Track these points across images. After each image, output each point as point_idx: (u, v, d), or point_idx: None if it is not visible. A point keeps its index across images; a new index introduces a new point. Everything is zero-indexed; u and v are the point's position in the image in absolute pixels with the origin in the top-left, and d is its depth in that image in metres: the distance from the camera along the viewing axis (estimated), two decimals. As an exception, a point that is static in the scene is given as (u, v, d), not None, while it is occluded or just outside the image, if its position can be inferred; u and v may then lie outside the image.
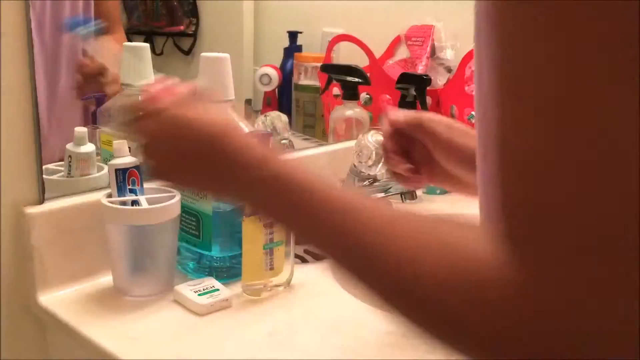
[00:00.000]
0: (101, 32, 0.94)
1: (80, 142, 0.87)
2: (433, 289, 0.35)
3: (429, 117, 0.63)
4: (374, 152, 1.00)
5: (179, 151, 0.52)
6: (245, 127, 0.54)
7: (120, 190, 0.75)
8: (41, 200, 0.78)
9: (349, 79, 1.13)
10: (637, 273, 0.29)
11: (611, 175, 0.29)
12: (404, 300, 0.38)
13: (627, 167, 0.29)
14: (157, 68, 0.93)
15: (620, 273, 0.29)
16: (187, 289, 0.75)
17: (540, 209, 0.31)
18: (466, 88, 1.24)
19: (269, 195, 0.46)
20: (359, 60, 1.21)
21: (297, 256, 0.88)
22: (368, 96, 1.30)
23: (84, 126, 0.92)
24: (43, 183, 0.78)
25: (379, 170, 1.02)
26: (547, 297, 0.31)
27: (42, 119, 0.90)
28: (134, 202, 0.76)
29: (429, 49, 1.32)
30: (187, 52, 1.20)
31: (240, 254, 0.77)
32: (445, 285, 0.34)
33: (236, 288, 0.78)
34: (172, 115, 0.53)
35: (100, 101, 0.95)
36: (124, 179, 0.75)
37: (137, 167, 0.76)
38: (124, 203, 0.75)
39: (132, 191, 0.76)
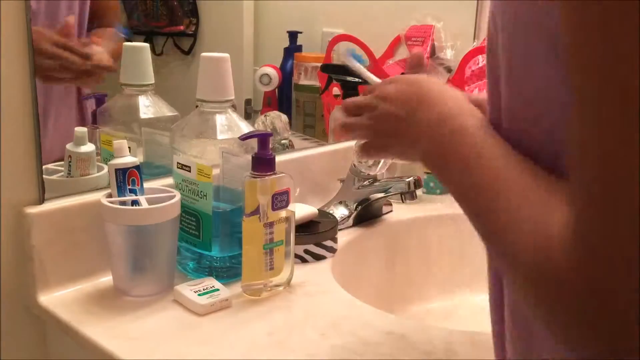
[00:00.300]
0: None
1: (80, 142, 0.87)
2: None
3: None
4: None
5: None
6: None
7: (120, 190, 0.75)
8: (41, 200, 0.78)
9: (349, 79, 1.13)
10: None
11: None
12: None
13: None
14: (157, 68, 0.93)
15: None
16: (187, 289, 0.76)
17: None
18: (466, 88, 1.24)
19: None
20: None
21: (297, 256, 0.88)
22: (368, 96, 1.29)
23: (82, 125, 0.92)
24: (43, 183, 0.78)
25: (379, 170, 1.02)
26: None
27: (40, 119, 0.90)
28: (134, 202, 0.76)
29: (429, 49, 1.32)
30: (187, 52, 1.19)
31: (240, 254, 0.77)
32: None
33: (236, 288, 0.78)
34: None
35: (100, 101, 0.95)
36: (124, 179, 0.75)
37: (137, 167, 0.76)
38: (124, 203, 0.75)
39: (132, 191, 0.76)
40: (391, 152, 0.62)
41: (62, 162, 0.87)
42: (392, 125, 0.58)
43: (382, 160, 1.01)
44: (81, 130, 0.88)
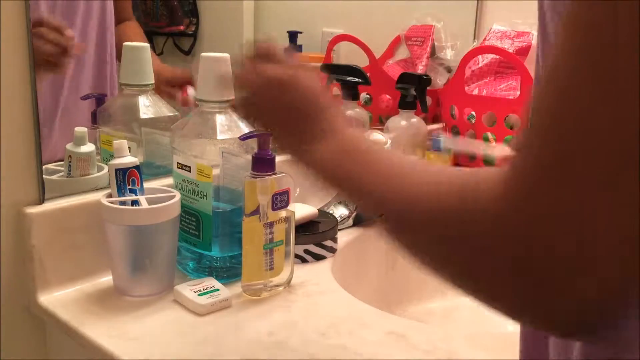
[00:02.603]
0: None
1: (80, 142, 0.87)
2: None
3: None
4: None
5: (284, 104, 0.61)
6: None
7: (120, 190, 0.75)
8: (41, 200, 0.78)
9: (349, 79, 1.13)
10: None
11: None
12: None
13: None
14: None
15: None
16: (187, 289, 0.76)
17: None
18: (466, 88, 1.24)
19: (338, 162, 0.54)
20: (359, 60, 1.21)
21: (297, 256, 0.88)
22: (368, 96, 1.30)
23: (89, 124, 0.93)
24: (43, 183, 0.78)
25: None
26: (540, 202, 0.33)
27: (48, 118, 0.90)
28: (134, 202, 0.76)
29: (429, 49, 1.32)
30: (187, 52, 1.20)
31: (240, 254, 0.77)
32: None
33: (236, 288, 0.78)
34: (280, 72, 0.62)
35: (100, 101, 0.95)
36: (124, 179, 0.75)
37: (137, 167, 0.76)
38: (124, 203, 0.75)
39: (132, 191, 0.76)
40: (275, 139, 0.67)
41: (62, 162, 0.87)
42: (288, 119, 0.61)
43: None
44: (81, 130, 0.88)
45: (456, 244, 0.39)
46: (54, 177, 0.85)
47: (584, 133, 0.32)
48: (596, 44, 0.32)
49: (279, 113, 0.62)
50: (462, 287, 0.42)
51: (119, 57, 0.96)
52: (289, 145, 0.62)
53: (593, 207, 0.32)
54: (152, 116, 0.92)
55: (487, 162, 1.18)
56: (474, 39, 1.39)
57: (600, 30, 0.31)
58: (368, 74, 1.14)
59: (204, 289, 0.76)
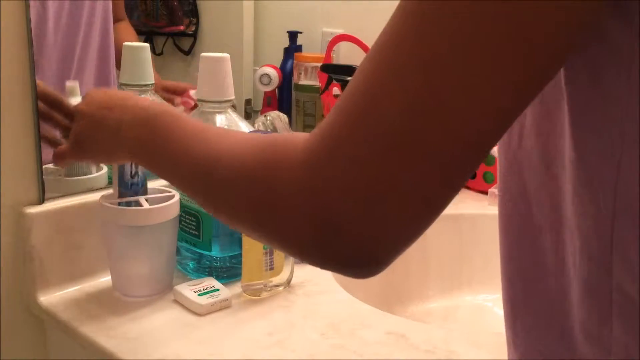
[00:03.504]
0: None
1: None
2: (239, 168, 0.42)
3: None
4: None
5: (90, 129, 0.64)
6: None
7: (122, 179, 0.75)
8: (41, 200, 0.78)
9: (349, 79, 1.13)
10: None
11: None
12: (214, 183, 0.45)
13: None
14: (157, 68, 0.93)
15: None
16: (187, 289, 0.76)
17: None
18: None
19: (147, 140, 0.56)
20: (359, 60, 1.21)
21: (297, 256, 0.88)
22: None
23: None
24: (43, 183, 0.78)
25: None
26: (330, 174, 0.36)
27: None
28: (134, 203, 0.76)
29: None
30: (187, 52, 1.19)
31: (240, 254, 0.77)
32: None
33: (236, 288, 0.78)
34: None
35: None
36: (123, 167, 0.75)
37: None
38: (123, 203, 0.75)
39: (133, 185, 0.75)
40: (98, 159, 0.72)
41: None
42: (92, 136, 0.63)
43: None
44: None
45: (256, 202, 0.41)
46: (54, 177, 0.85)
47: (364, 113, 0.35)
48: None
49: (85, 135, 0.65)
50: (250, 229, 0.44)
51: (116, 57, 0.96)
52: (106, 155, 0.65)
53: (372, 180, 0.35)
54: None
55: (486, 161, 1.18)
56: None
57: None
58: (368, 74, 1.14)
59: (204, 289, 0.76)
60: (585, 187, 0.37)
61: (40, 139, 0.77)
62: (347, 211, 0.36)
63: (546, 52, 0.33)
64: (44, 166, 0.78)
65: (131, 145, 0.58)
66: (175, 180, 0.53)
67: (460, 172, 0.36)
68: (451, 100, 0.33)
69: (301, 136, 0.39)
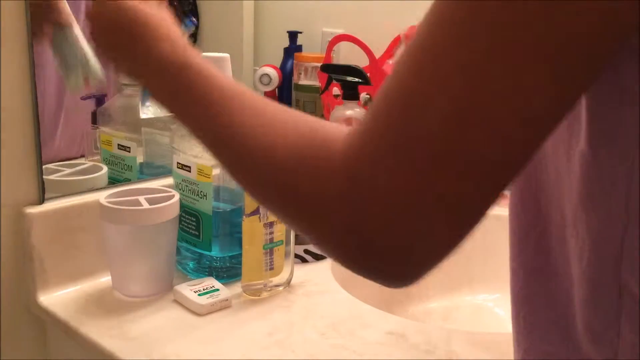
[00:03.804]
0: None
1: None
2: (282, 157, 0.40)
3: None
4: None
5: (110, 31, 0.58)
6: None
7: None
8: (41, 200, 0.78)
9: (349, 79, 1.13)
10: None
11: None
12: (256, 167, 0.42)
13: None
14: (157, 68, 0.93)
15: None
16: (187, 289, 0.76)
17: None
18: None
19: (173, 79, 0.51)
20: (359, 60, 1.21)
21: (297, 256, 0.88)
22: (368, 96, 1.30)
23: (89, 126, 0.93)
24: (43, 183, 0.78)
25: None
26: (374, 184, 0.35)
27: (51, 118, 0.90)
28: (134, 203, 0.76)
29: (429, 49, 1.32)
30: (187, 52, 1.20)
31: (240, 254, 0.77)
32: (293, 155, 0.39)
33: (236, 288, 0.78)
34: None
35: (100, 101, 0.95)
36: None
37: None
38: (123, 203, 0.75)
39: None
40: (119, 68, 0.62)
41: (62, 162, 0.87)
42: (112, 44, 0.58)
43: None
44: None
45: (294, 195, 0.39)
46: (54, 177, 0.85)
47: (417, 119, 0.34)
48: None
49: (112, 36, 0.58)
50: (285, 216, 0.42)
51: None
52: (128, 62, 0.58)
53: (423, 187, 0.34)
54: (152, 116, 0.92)
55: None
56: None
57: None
58: (368, 74, 1.14)
59: (204, 289, 0.76)
60: (599, 188, 0.37)
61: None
62: (388, 224, 0.35)
63: (587, 55, 0.32)
64: (44, 166, 0.78)
65: (158, 86, 0.53)
66: (195, 130, 0.49)
67: (502, 182, 0.35)
68: (493, 107, 0.32)
69: (340, 133, 0.38)
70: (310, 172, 0.38)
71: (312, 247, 0.90)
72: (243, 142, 0.43)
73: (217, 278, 0.79)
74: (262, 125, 0.43)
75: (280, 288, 0.80)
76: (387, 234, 0.35)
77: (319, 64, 1.17)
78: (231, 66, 0.81)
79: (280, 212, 0.42)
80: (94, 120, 0.93)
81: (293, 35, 1.24)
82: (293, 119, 0.42)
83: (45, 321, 0.78)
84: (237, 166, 0.45)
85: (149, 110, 0.90)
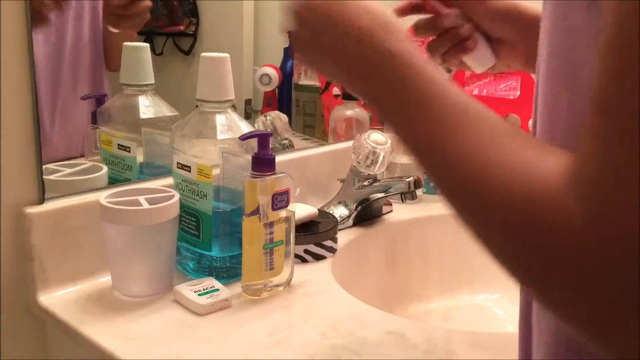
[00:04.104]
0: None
1: None
2: (499, 193, 0.35)
3: None
4: (371, 152, 1.00)
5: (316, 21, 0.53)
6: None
7: None
8: (41, 200, 0.78)
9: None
10: None
11: None
12: (471, 199, 0.38)
13: None
14: (157, 68, 0.93)
15: None
16: (187, 289, 0.76)
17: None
18: (466, 88, 1.24)
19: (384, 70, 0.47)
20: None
21: (297, 256, 0.88)
22: (368, 96, 1.29)
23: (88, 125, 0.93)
24: (43, 183, 0.78)
25: (377, 170, 1.02)
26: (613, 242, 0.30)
27: (46, 117, 0.90)
28: (134, 203, 0.76)
29: (429, 49, 1.32)
30: (187, 52, 1.19)
31: (240, 254, 0.77)
32: (511, 192, 0.35)
33: (236, 288, 0.78)
34: None
35: (100, 101, 0.95)
36: None
37: None
38: (123, 203, 0.75)
39: None
40: (317, 69, 0.58)
41: (62, 162, 0.87)
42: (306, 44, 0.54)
43: (380, 160, 1.01)
44: None
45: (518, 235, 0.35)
46: (53, 177, 0.85)
47: None
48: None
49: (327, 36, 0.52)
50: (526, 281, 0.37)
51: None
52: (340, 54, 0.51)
53: None
54: (152, 116, 0.92)
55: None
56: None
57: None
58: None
59: (204, 289, 0.76)
60: None
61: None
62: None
63: None
64: (43, 166, 0.78)
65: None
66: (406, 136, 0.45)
67: None
68: None
69: (555, 161, 0.34)
70: (541, 222, 0.33)
71: (312, 247, 0.90)
72: (460, 166, 0.39)
73: (217, 278, 0.79)
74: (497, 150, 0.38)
75: (280, 288, 0.80)
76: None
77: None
78: (231, 66, 0.81)
79: (501, 249, 0.37)
80: (94, 120, 0.93)
81: (293, 35, 1.23)
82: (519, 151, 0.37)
83: (45, 321, 0.78)
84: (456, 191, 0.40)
85: (149, 111, 0.90)
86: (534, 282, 0.36)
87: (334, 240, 0.93)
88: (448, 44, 0.72)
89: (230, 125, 0.81)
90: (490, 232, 0.37)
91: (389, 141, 1.02)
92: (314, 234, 0.90)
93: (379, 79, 0.47)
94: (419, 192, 1.08)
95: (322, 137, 1.24)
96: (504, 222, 0.36)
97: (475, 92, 1.25)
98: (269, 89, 1.22)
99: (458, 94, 0.44)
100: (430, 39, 0.74)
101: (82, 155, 0.95)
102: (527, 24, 0.67)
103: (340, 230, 0.97)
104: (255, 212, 0.75)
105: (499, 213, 0.36)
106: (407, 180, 1.02)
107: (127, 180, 0.89)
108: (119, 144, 0.89)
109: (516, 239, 0.35)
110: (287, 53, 1.24)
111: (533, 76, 0.53)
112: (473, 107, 0.42)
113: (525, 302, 0.50)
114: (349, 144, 1.08)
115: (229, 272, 0.81)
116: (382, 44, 0.48)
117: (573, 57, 0.40)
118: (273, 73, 1.21)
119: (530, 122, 0.48)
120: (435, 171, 0.42)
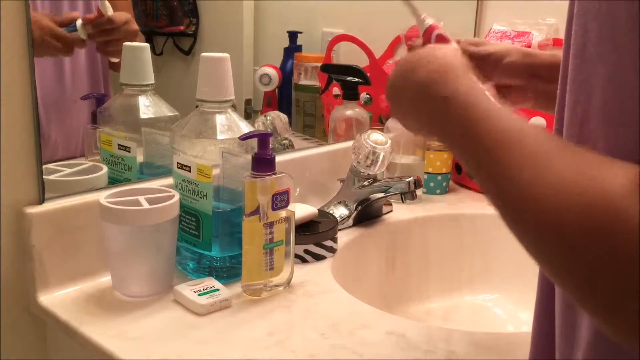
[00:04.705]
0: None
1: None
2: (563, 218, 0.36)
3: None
4: (371, 152, 1.00)
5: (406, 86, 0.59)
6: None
7: None
8: (41, 200, 0.78)
9: (349, 79, 1.13)
10: None
11: None
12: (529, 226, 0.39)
13: None
14: (157, 68, 0.93)
15: None
16: (187, 289, 0.76)
17: None
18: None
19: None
20: (359, 60, 1.21)
21: (297, 256, 0.88)
22: (368, 96, 1.30)
23: (88, 125, 0.93)
24: (43, 183, 0.78)
25: (377, 170, 1.02)
26: None
27: (46, 117, 0.90)
28: (134, 203, 0.76)
29: (429, 49, 1.32)
30: (187, 52, 1.19)
31: (240, 254, 0.77)
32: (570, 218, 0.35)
33: (236, 288, 0.78)
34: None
35: (100, 101, 0.95)
36: None
37: None
38: (123, 203, 0.75)
39: None
40: (410, 127, 0.63)
41: (62, 162, 0.87)
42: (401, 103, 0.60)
43: (380, 160, 1.01)
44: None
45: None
46: (54, 177, 0.85)
47: None
48: None
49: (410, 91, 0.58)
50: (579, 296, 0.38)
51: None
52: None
53: None
54: (152, 116, 0.92)
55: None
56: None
57: None
58: (368, 74, 1.14)
59: (204, 289, 0.76)
60: None
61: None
62: None
63: None
64: (43, 166, 0.78)
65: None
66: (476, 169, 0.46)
67: None
68: None
69: (617, 171, 0.35)
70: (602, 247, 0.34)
71: (312, 247, 0.90)
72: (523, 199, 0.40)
73: (217, 278, 0.79)
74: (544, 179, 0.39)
75: (280, 288, 0.80)
76: None
77: (319, 64, 1.18)
78: (231, 66, 0.81)
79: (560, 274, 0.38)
80: (94, 120, 0.93)
81: (293, 35, 1.24)
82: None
83: (45, 321, 0.78)
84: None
85: (149, 111, 0.90)
86: (589, 287, 0.36)
87: (334, 240, 0.93)
88: None
89: (230, 125, 0.81)
90: (549, 238, 0.38)
91: (389, 141, 1.02)
92: (314, 234, 0.90)
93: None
94: (419, 192, 1.08)
95: (322, 137, 1.24)
96: (575, 230, 0.36)
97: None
98: (269, 89, 1.22)
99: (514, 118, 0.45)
100: None
101: (82, 155, 0.95)
102: (534, 71, 0.68)
103: (340, 230, 0.97)
104: (255, 212, 0.75)
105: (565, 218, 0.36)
106: (407, 180, 1.02)
107: (127, 180, 0.89)
108: (119, 144, 0.89)
109: (577, 245, 0.36)
110: (287, 53, 1.24)
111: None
112: (532, 134, 0.43)
113: (562, 300, 0.50)
114: (349, 144, 1.08)
115: (229, 272, 0.81)
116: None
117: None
118: (273, 73, 1.21)
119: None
120: (504, 194, 0.43)
